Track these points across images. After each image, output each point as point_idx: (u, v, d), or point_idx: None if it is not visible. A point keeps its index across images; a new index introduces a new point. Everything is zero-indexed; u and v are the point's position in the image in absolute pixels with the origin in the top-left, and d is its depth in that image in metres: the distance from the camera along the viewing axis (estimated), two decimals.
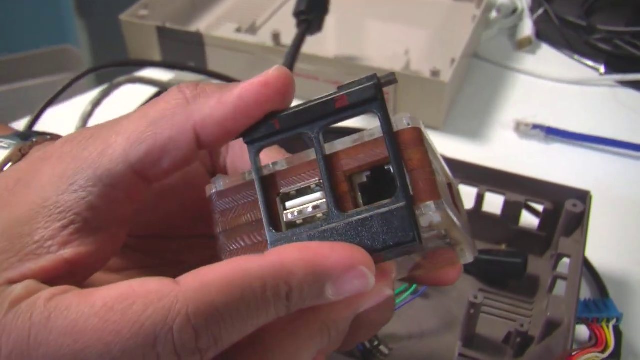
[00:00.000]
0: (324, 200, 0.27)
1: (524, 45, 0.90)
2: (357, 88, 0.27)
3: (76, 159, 0.27)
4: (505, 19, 0.95)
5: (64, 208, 0.27)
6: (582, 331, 0.51)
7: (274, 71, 0.28)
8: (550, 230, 0.57)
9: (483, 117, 0.79)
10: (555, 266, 0.53)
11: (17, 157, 0.37)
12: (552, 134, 0.74)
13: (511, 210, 0.58)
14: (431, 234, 0.28)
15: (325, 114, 0.27)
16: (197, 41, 0.79)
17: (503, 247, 0.59)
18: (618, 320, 0.50)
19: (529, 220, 0.59)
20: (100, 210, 0.27)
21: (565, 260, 0.52)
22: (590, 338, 0.49)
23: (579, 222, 0.54)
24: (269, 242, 0.27)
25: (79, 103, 0.61)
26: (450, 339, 0.52)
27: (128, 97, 0.63)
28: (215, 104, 0.27)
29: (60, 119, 0.60)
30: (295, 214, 0.28)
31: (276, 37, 0.77)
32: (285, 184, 0.28)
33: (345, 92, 0.27)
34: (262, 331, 0.25)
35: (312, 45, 0.74)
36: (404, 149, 0.27)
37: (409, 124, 0.27)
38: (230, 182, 0.29)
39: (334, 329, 0.28)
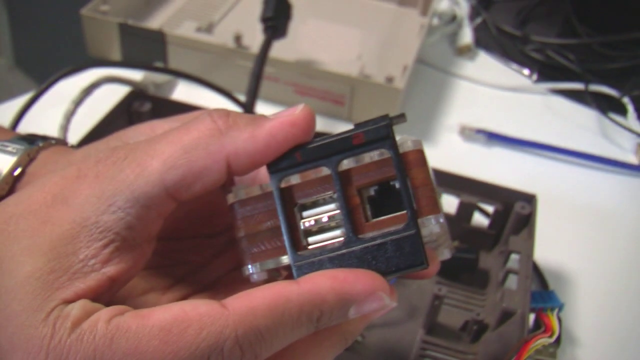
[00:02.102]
0: (338, 210, 0.31)
1: (463, 52, 0.96)
2: (373, 127, 0.31)
3: (114, 181, 0.29)
4: (445, 26, 1.00)
5: (104, 228, 0.28)
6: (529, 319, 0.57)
7: (301, 112, 0.31)
8: (499, 229, 0.63)
9: (430, 120, 0.84)
10: (505, 261, 0.59)
11: (25, 161, 0.39)
12: (494, 138, 0.81)
13: (464, 211, 0.63)
14: (429, 239, 0.33)
15: (342, 150, 0.31)
16: (159, 39, 0.82)
17: (456, 243, 0.64)
18: (560, 309, 0.56)
19: (478, 219, 0.65)
20: (136, 229, 0.29)
21: (514, 256, 0.58)
22: (539, 325, 0.55)
23: (526, 222, 0.61)
24: (291, 263, 0.31)
25: (55, 100, 0.63)
26: (413, 326, 0.57)
27: (104, 94, 0.65)
28: (247, 137, 0.30)
29: (40, 117, 0.62)
30: (312, 222, 0.31)
31: (238, 38, 0.81)
32: (301, 196, 0.32)
33: (361, 130, 0.31)
34: (292, 343, 0.29)
35: (273, 48, 0.77)
36: (408, 169, 0.31)
37: (414, 147, 0.31)
38: (250, 192, 0.33)
39: (350, 338, 0.32)
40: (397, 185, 0.31)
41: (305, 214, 0.32)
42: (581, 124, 0.87)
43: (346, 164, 0.31)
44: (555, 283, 0.65)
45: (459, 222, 0.64)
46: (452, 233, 0.63)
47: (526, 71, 0.94)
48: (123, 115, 0.67)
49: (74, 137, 0.62)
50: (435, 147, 0.80)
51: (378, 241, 0.30)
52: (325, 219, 0.31)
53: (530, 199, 0.61)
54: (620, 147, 0.84)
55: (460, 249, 0.62)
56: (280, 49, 0.78)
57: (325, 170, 0.31)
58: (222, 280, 0.39)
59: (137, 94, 0.69)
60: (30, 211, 0.29)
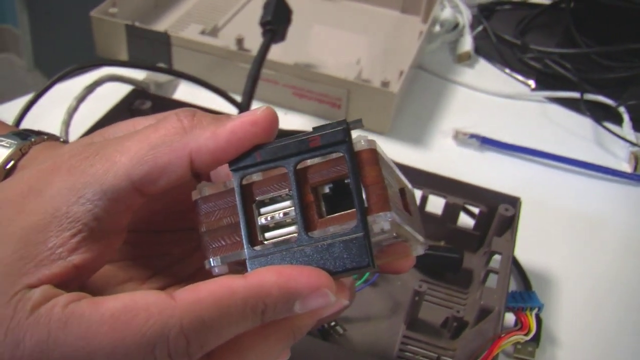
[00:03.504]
0: (292, 207, 0.32)
1: (463, 59, 0.98)
2: (329, 131, 0.32)
3: (84, 174, 0.31)
4: (447, 34, 1.02)
5: (73, 218, 0.30)
6: (510, 318, 0.58)
7: (262, 112, 0.32)
8: (484, 230, 0.65)
9: (425, 124, 0.86)
10: (487, 262, 0.61)
11: (17, 155, 0.40)
12: (487, 143, 0.82)
13: (451, 212, 0.65)
14: (384, 236, 0.33)
15: (299, 151, 0.32)
16: (164, 41, 0.84)
17: (442, 243, 0.66)
18: (540, 309, 0.58)
19: (465, 220, 0.67)
20: (104, 220, 0.31)
21: (497, 257, 0.60)
22: (516, 323, 0.56)
23: (509, 224, 0.62)
24: (247, 258, 0.32)
25: (58, 95, 0.66)
26: (396, 322, 0.59)
27: (106, 93, 0.68)
28: (210, 135, 0.32)
29: (45, 110, 0.64)
30: (268, 218, 0.33)
31: (240, 41, 0.83)
32: (260, 193, 0.33)
33: (318, 133, 0.32)
34: (239, 335, 0.30)
35: (273, 51, 0.80)
36: (361, 167, 0.32)
37: (367, 146, 0.32)
38: (213, 189, 0.34)
39: (298, 333, 0.33)
40: (354, 198, 0.31)
41: (263, 210, 0.33)
42: (576, 132, 0.88)
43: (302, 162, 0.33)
44: (540, 285, 0.66)
45: (445, 222, 0.65)
46: (438, 232, 0.65)
47: (524, 79, 0.96)
48: (124, 113, 0.69)
49: (76, 133, 0.65)
50: (428, 150, 0.82)
51: (328, 241, 0.31)
52: (280, 215, 0.32)
53: (514, 202, 0.63)
54: (614, 156, 0.85)
55: (445, 249, 0.64)
56: (281, 53, 0.81)
57: (284, 169, 0.33)
58: (201, 272, 0.40)
59: (139, 92, 0.71)
60: (8, 201, 0.31)
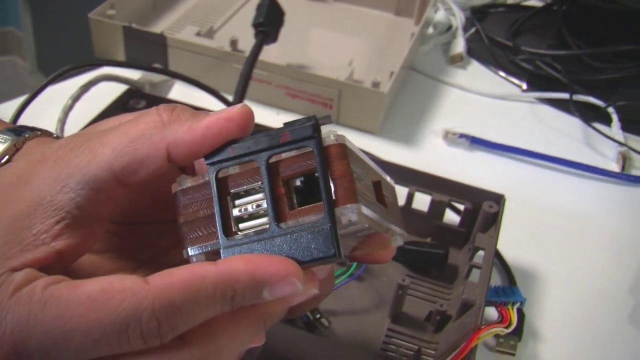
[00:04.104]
0: (264, 199, 0.34)
1: (455, 61, 1.00)
2: (299, 127, 0.33)
3: (69, 165, 0.32)
4: (440, 36, 1.04)
5: (57, 206, 0.32)
6: (492, 313, 0.60)
7: (238, 109, 0.34)
8: (469, 227, 0.67)
9: (416, 124, 0.88)
10: (471, 257, 0.62)
11: (12, 150, 0.42)
12: (476, 142, 0.84)
13: (436, 209, 0.67)
14: (355, 227, 0.35)
15: (271, 146, 0.33)
16: (160, 42, 0.86)
17: (428, 240, 0.67)
18: (522, 304, 0.59)
19: (451, 217, 0.68)
20: (86, 209, 0.32)
21: (481, 253, 0.62)
22: (498, 317, 0.58)
23: (493, 221, 0.64)
24: (221, 247, 0.34)
25: (56, 93, 0.68)
26: (380, 315, 0.61)
27: (102, 93, 0.69)
28: (186, 129, 0.33)
29: (41, 109, 0.66)
30: (242, 210, 0.34)
31: (234, 43, 0.85)
32: (235, 186, 0.34)
33: (288, 129, 0.33)
34: (211, 320, 0.32)
35: (266, 52, 0.81)
36: (329, 162, 0.33)
37: (336, 141, 0.33)
38: (192, 182, 0.36)
39: (268, 320, 0.34)
40: (321, 190, 0.33)
41: (237, 202, 0.34)
42: (566, 132, 0.90)
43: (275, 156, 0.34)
44: (525, 281, 0.68)
45: (431, 219, 0.67)
46: (424, 229, 0.67)
47: (516, 81, 0.97)
48: (119, 112, 0.70)
49: (71, 131, 0.66)
50: (419, 150, 0.84)
51: (296, 231, 0.33)
52: (253, 207, 0.34)
53: (498, 199, 0.64)
54: (603, 155, 0.87)
55: (431, 245, 0.65)
56: (275, 54, 0.82)
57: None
58: (186, 263, 0.42)
59: (134, 92, 0.73)
60: None
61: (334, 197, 0.32)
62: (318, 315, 0.58)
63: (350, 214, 0.32)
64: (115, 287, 0.30)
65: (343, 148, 0.33)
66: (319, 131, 0.33)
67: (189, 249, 0.35)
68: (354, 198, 0.32)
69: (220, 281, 0.31)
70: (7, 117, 0.65)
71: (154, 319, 0.29)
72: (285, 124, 0.34)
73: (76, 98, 0.64)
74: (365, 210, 0.33)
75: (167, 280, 0.30)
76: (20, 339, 0.29)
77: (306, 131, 0.33)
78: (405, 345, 0.58)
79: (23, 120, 0.64)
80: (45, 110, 0.66)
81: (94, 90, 0.68)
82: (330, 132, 0.34)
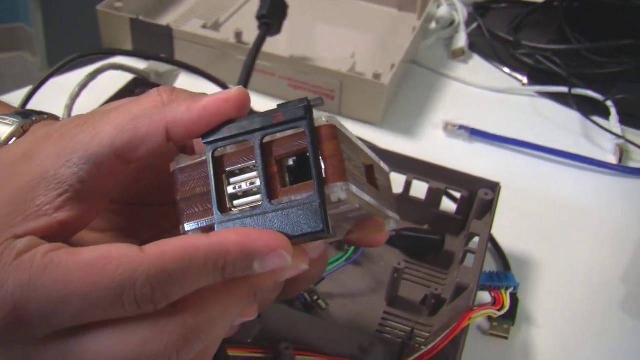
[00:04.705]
0: (258, 177, 0.35)
1: (457, 55, 1.01)
2: (292, 108, 0.34)
3: (72, 141, 0.34)
4: (442, 30, 1.05)
5: (60, 180, 0.33)
6: (486, 297, 0.61)
7: (235, 90, 0.36)
8: (465, 214, 0.68)
9: (416, 116, 0.89)
10: (467, 243, 0.64)
11: (19, 133, 0.43)
12: (475, 134, 0.85)
13: (433, 196, 0.68)
14: (346, 207, 0.36)
15: (264, 126, 0.35)
16: (166, 34, 0.88)
17: (425, 227, 0.69)
18: (515, 288, 0.61)
19: (448, 205, 0.70)
20: (88, 183, 0.34)
21: (476, 239, 0.63)
22: (491, 301, 0.59)
23: (489, 208, 0.65)
24: (215, 222, 0.35)
25: (64, 83, 0.70)
26: (377, 299, 0.62)
27: (109, 81, 0.71)
28: (185, 109, 0.35)
29: (49, 98, 0.68)
30: (237, 187, 0.36)
31: (238, 35, 0.87)
32: (230, 164, 0.36)
33: (281, 110, 0.35)
34: (203, 289, 0.33)
35: (271, 44, 0.83)
36: (320, 142, 0.34)
37: (327, 122, 0.35)
38: (189, 160, 0.37)
39: (259, 292, 0.36)
40: (311, 166, 0.34)
41: (232, 180, 0.36)
42: (565, 125, 0.91)
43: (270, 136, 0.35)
44: (520, 267, 0.69)
45: (428, 207, 0.68)
46: (421, 216, 0.68)
47: (517, 75, 0.99)
48: None
49: None
50: (419, 141, 0.85)
51: (287, 207, 0.34)
52: (247, 185, 0.35)
53: (493, 187, 0.66)
54: (601, 148, 0.88)
55: (427, 231, 0.67)
56: (279, 46, 0.84)
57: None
58: None
59: (140, 81, 0.75)
60: (5, 164, 0.35)
61: (324, 176, 0.34)
62: (315, 297, 0.59)
63: (339, 191, 0.34)
64: (112, 254, 0.31)
65: (333, 129, 0.35)
66: (310, 112, 0.34)
67: (185, 225, 0.36)
68: (343, 177, 0.34)
69: (212, 252, 0.32)
70: (16, 104, 0.67)
71: (147, 285, 0.31)
72: (279, 106, 0.35)
73: (83, 85, 0.66)
74: (354, 190, 0.35)
75: (162, 249, 0.32)
76: (20, 301, 0.30)
77: (298, 112, 0.34)
78: (400, 328, 0.60)
79: (31, 107, 0.66)
80: (53, 98, 0.68)
81: (100, 79, 0.70)
82: (322, 114, 0.35)
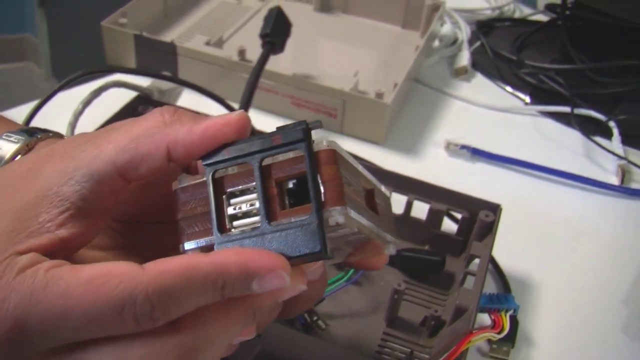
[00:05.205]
0: (257, 199, 0.35)
1: (460, 74, 1.01)
2: (290, 130, 0.35)
3: (75, 159, 0.34)
4: (445, 48, 1.06)
5: (63, 197, 0.34)
6: (486, 319, 0.61)
7: (236, 115, 0.36)
8: (466, 236, 0.68)
9: (419, 135, 0.90)
10: (467, 265, 0.64)
11: (24, 150, 0.44)
12: (477, 154, 0.85)
13: (434, 217, 0.68)
14: (345, 231, 0.36)
15: (263, 148, 0.35)
16: (170, 51, 0.88)
17: (426, 247, 0.69)
18: (515, 311, 0.61)
19: (449, 226, 0.70)
20: (90, 200, 0.35)
21: (477, 261, 0.63)
22: (491, 323, 0.59)
23: (489, 230, 0.65)
24: (215, 242, 0.35)
25: (68, 99, 0.70)
26: (377, 320, 0.62)
27: (112, 99, 0.72)
28: (186, 130, 0.35)
29: (53, 114, 0.68)
30: (237, 208, 0.36)
31: (242, 52, 0.87)
32: (231, 186, 0.36)
33: (280, 133, 0.35)
34: (202, 309, 0.33)
35: (274, 63, 0.84)
36: (319, 165, 0.35)
37: (327, 146, 0.35)
38: (191, 180, 0.37)
39: (258, 312, 0.36)
40: (310, 189, 0.34)
41: (232, 201, 0.36)
42: (567, 145, 0.91)
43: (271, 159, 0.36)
44: (520, 289, 0.69)
45: (429, 227, 0.68)
46: (422, 237, 0.68)
47: (519, 94, 0.99)
48: (128, 117, 0.73)
49: None
50: (421, 160, 0.85)
51: (286, 228, 0.34)
52: (247, 206, 0.36)
53: (494, 208, 0.66)
54: (603, 169, 0.88)
55: (428, 252, 0.67)
56: (282, 64, 0.85)
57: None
58: None
59: (143, 98, 0.75)
60: (8, 182, 0.35)
61: (322, 199, 0.34)
62: (315, 318, 0.59)
63: (337, 215, 0.34)
64: (112, 271, 0.31)
65: (333, 153, 0.35)
66: (308, 135, 0.35)
67: (185, 244, 0.37)
68: (342, 201, 0.34)
69: (211, 271, 0.32)
70: (20, 120, 0.67)
71: (147, 303, 0.31)
72: (278, 128, 0.35)
73: (87, 103, 0.67)
74: (352, 214, 0.35)
75: (162, 267, 0.32)
76: (22, 316, 0.31)
77: (297, 134, 0.35)
78: (399, 349, 0.60)
79: (35, 124, 0.66)
80: (56, 114, 0.69)
81: (104, 96, 0.70)
82: (323, 138, 0.35)
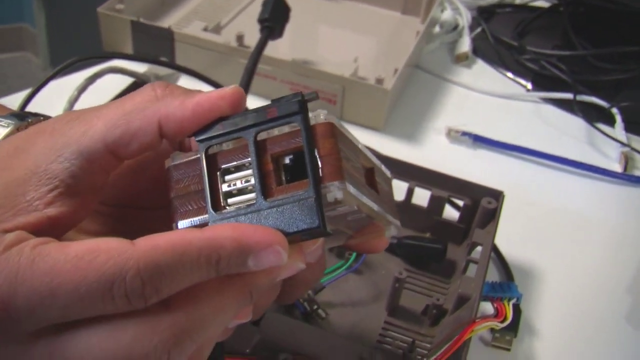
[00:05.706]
0: (253, 175, 0.34)
1: (461, 60, 1.00)
2: (285, 103, 0.34)
3: (64, 136, 0.33)
4: (446, 34, 1.04)
5: (51, 175, 0.33)
6: (489, 308, 0.60)
7: (231, 89, 0.35)
8: (468, 223, 0.67)
9: (419, 122, 0.88)
10: (469, 252, 0.63)
11: (14, 134, 0.44)
12: (479, 140, 0.84)
13: (436, 204, 0.67)
14: (344, 209, 0.35)
15: (258, 122, 0.34)
16: (167, 37, 0.87)
17: (428, 235, 0.68)
18: (518, 299, 0.60)
19: (451, 213, 0.69)
20: (79, 178, 0.34)
21: (479, 248, 0.62)
22: (494, 312, 0.58)
23: (492, 217, 0.64)
24: (209, 220, 0.34)
25: (64, 85, 0.69)
26: (378, 309, 0.61)
27: (109, 85, 0.71)
28: (178, 104, 0.34)
29: (48, 101, 0.67)
30: (231, 185, 0.35)
31: (240, 38, 0.86)
32: (225, 162, 0.35)
33: (275, 105, 0.34)
34: (196, 287, 0.32)
35: (272, 48, 0.82)
36: (317, 140, 0.33)
37: (325, 119, 0.34)
38: (184, 157, 0.36)
39: (254, 291, 0.34)
40: (306, 162, 0.33)
41: (227, 178, 0.35)
42: (569, 132, 0.90)
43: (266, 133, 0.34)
44: (523, 278, 0.68)
45: (431, 215, 0.67)
46: (423, 224, 0.67)
47: (521, 80, 0.98)
48: None
49: None
50: (421, 147, 0.84)
51: (282, 204, 0.33)
52: (242, 183, 0.34)
53: (497, 195, 0.65)
54: (605, 156, 0.87)
55: (429, 240, 0.66)
56: (281, 49, 0.83)
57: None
58: None
59: (139, 84, 0.74)
60: None
61: (320, 174, 0.33)
62: (315, 307, 0.58)
63: (335, 190, 0.33)
64: (101, 246, 0.30)
65: (331, 126, 0.34)
66: (305, 107, 0.33)
67: (178, 222, 0.36)
68: (340, 175, 0.33)
69: (205, 246, 0.31)
70: (15, 107, 0.66)
71: (138, 279, 0.30)
72: (273, 101, 0.34)
73: (82, 89, 0.65)
74: (352, 189, 0.34)
75: (153, 242, 0.31)
76: (7, 294, 0.30)
77: (292, 107, 0.33)
78: (401, 338, 0.59)
79: (29, 110, 0.65)
80: (51, 101, 0.67)
81: (100, 82, 0.69)
82: (320, 111, 0.34)
